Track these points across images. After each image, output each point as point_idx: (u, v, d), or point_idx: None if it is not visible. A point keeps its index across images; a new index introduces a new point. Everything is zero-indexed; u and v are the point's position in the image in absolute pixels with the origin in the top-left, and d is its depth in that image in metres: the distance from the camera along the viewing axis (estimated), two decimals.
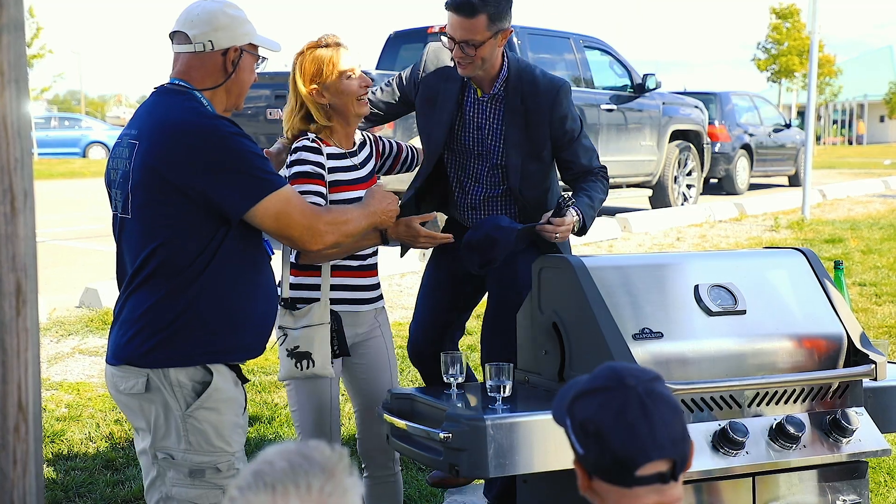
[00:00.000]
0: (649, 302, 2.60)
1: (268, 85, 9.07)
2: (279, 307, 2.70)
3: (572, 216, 2.89)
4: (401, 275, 7.23)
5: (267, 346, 2.38)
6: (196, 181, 2.15)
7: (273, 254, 2.41)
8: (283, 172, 2.74)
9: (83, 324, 5.57)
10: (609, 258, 2.86)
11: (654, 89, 10.79)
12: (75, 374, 4.66)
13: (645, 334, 2.51)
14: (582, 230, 2.96)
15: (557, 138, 3.01)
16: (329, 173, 2.73)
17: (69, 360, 4.89)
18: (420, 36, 10.54)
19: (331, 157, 2.76)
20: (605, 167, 3.15)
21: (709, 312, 2.60)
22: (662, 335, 2.53)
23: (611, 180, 12.48)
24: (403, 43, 10.75)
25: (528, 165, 3.02)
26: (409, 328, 3.38)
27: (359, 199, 2.73)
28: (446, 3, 2.84)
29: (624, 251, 8.76)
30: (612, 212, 10.90)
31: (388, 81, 3.20)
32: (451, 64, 3.02)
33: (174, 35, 2.33)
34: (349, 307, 2.79)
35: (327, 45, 2.76)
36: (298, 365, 2.68)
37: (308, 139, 2.74)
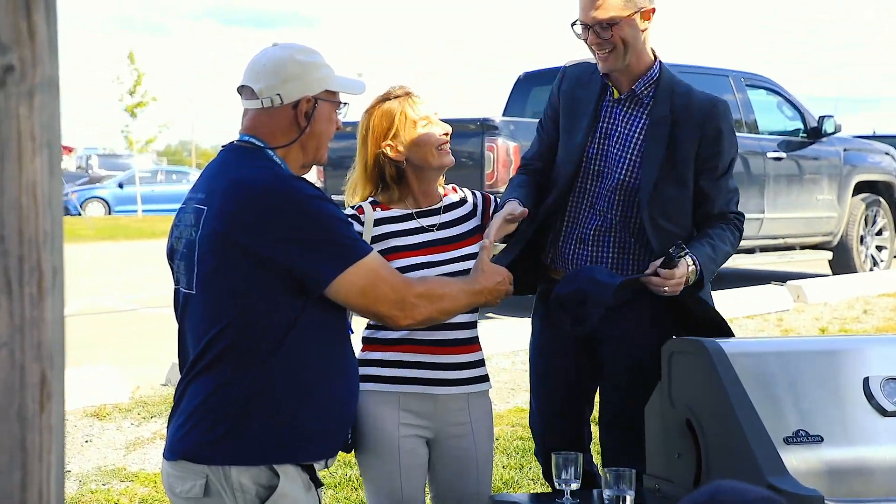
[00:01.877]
0: (806, 397, 2.46)
1: None
2: None
3: (686, 267, 2.76)
4: (526, 350, 7.13)
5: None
6: (273, 250, 2.15)
7: (353, 332, 2.40)
8: None
9: (168, 405, 5.72)
10: (755, 342, 2.74)
11: (833, 133, 10.46)
12: (154, 464, 4.77)
13: (800, 437, 2.38)
14: (698, 285, 2.82)
15: (703, 160, 2.90)
16: (381, 240, 2.73)
17: (149, 447, 5.01)
18: (553, 77, 10.56)
19: (384, 221, 2.76)
20: (742, 214, 3.01)
21: (882, 412, 2.45)
22: (822, 439, 2.39)
23: (782, 240, 11.98)
24: (535, 85, 10.81)
25: (666, 188, 2.89)
26: (529, 422, 3.27)
27: (420, 265, 2.71)
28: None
29: (796, 326, 8.41)
30: (782, 278, 10.53)
31: (538, 130, 3.17)
32: (591, 69, 3.01)
33: (242, 90, 2.36)
34: (419, 388, 2.73)
35: (397, 97, 2.79)
36: None
37: (352, 208, 2.79)
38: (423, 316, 2.32)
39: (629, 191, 2.92)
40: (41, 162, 1.50)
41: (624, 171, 2.94)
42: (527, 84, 10.84)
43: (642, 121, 2.95)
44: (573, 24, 2.91)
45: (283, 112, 2.30)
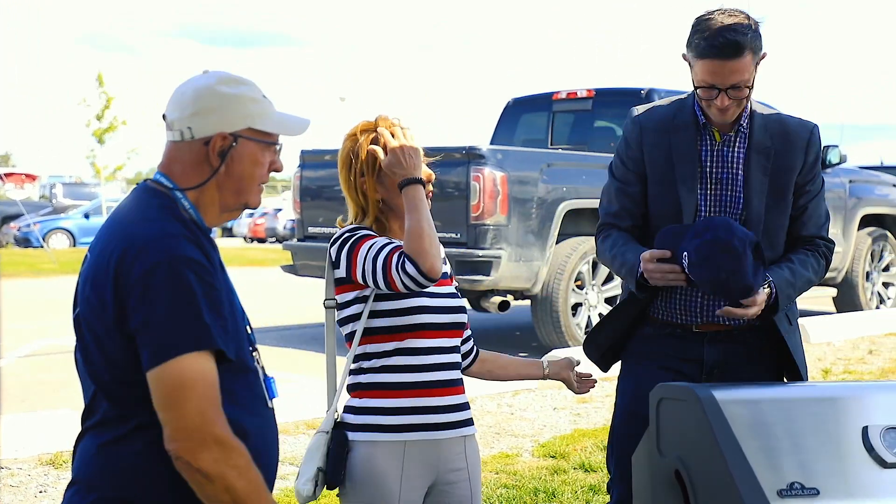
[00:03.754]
0: (802, 448, 2.45)
1: None
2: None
3: (764, 293, 2.90)
4: (513, 392, 7.14)
5: None
6: (123, 312, 2.02)
7: (276, 396, 2.25)
8: (342, 255, 2.70)
9: None
10: (749, 389, 2.73)
11: (838, 164, 10.53)
12: None
13: (795, 490, 2.36)
14: (772, 310, 2.95)
15: (801, 185, 3.06)
16: None
17: None
18: (544, 103, 10.66)
19: None
20: (832, 242, 3.15)
21: (883, 464, 2.44)
22: (818, 492, 2.38)
23: None
24: (524, 112, 10.88)
25: (774, 220, 3.04)
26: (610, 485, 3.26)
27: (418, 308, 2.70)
28: (702, 50, 2.90)
29: None
30: None
31: (617, 186, 3.17)
32: (671, 112, 3.12)
33: (164, 118, 2.24)
34: (424, 434, 2.72)
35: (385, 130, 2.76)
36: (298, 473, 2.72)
37: (354, 227, 2.75)
38: (205, 462, 1.97)
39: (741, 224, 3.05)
40: None
41: (734, 209, 3.06)
42: (515, 111, 10.90)
43: (743, 154, 3.07)
44: (697, 87, 2.97)
45: (193, 147, 2.16)
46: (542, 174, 8.72)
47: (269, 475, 2.21)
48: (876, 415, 2.53)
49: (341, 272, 2.72)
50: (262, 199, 2.29)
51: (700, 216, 3.04)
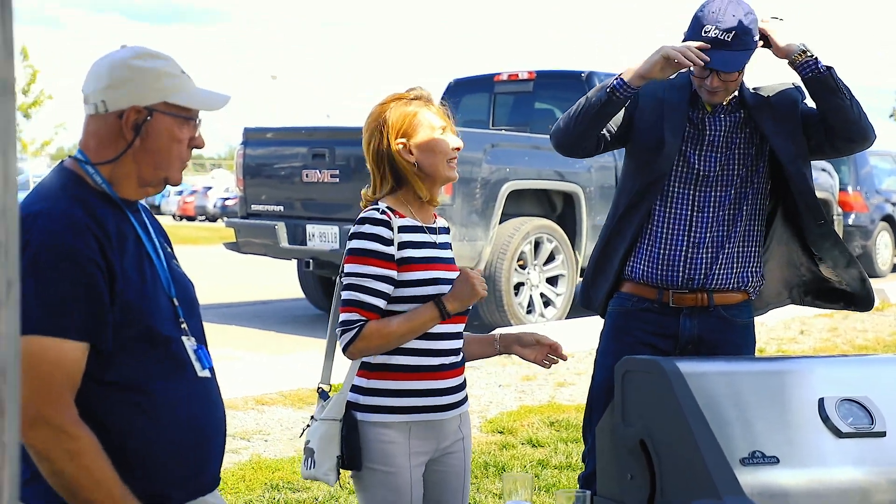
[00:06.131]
0: (762, 418, 2.56)
1: (304, 142, 9.26)
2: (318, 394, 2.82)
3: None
4: None
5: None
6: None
7: (207, 367, 2.25)
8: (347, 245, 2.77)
9: None
10: (712, 362, 2.84)
11: None
12: None
13: (756, 459, 2.47)
14: (830, 72, 3.06)
15: (805, 111, 3.19)
16: (399, 249, 2.72)
17: None
18: (486, 84, 10.72)
19: (403, 229, 2.74)
20: None
21: (838, 433, 2.55)
22: (778, 460, 2.48)
23: None
24: (466, 92, 10.92)
25: (801, 159, 3.17)
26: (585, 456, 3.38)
27: (433, 280, 2.74)
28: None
29: None
30: None
31: None
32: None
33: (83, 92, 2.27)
34: (428, 416, 2.79)
35: (418, 98, 2.81)
36: (307, 462, 2.76)
37: (377, 209, 2.74)
38: (34, 441, 2.00)
39: (744, 199, 3.19)
40: None
41: (736, 182, 3.20)
42: (457, 91, 10.94)
43: (737, 117, 3.19)
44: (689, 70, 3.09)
45: (108, 121, 2.17)
46: (486, 155, 8.80)
47: (207, 442, 2.24)
48: (831, 387, 2.65)
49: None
50: (193, 177, 2.25)
51: (685, 173, 3.18)
